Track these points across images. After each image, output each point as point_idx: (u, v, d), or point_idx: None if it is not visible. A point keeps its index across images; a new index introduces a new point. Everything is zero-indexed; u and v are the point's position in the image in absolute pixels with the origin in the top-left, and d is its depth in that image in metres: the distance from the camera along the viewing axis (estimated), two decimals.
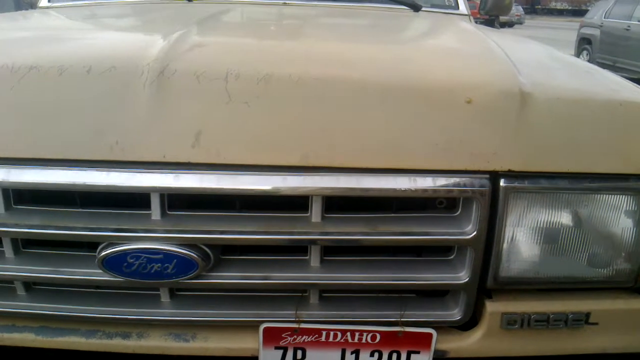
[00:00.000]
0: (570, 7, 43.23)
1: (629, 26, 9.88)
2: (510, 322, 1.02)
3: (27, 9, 2.55)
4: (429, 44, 1.48)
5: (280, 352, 1.02)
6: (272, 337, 1.00)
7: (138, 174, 0.90)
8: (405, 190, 0.92)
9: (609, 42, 10.51)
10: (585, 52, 11.39)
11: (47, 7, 2.06)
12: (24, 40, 1.23)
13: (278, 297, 1.05)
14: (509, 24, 25.84)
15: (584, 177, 0.95)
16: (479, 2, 2.64)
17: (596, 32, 11.03)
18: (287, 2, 1.95)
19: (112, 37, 1.33)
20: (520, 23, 28.63)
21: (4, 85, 0.94)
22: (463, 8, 2.17)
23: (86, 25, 1.62)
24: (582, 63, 1.29)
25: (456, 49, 1.35)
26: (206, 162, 0.91)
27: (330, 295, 1.06)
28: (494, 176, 0.93)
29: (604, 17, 10.84)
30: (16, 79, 0.93)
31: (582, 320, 1.03)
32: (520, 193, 0.94)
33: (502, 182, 0.93)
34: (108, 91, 0.91)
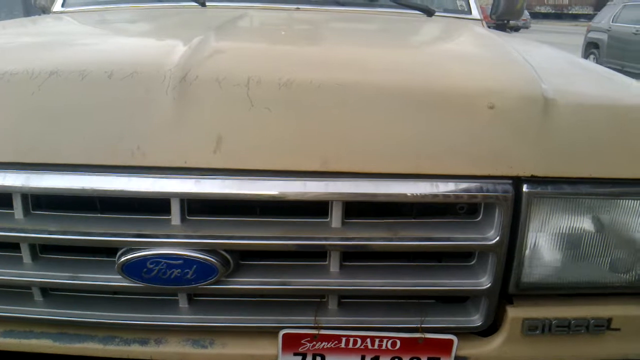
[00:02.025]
0: (553, 11, 43.65)
1: (637, 30, 9.87)
2: (531, 328, 1.01)
3: (39, 14, 2.56)
4: (447, 48, 1.47)
5: (300, 358, 1.01)
6: (291, 343, 1.00)
7: (159, 180, 0.90)
8: (426, 196, 0.92)
9: (616, 46, 10.50)
10: (592, 57, 11.36)
11: (61, 12, 2.06)
12: (42, 46, 1.23)
13: (297, 303, 1.04)
14: (515, 28, 25.78)
15: (607, 183, 0.95)
16: (485, 7, 2.63)
17: (604, 37, 11.02)
18: (299, 7, 1.95)
19: (132, 42, 1.34)
20: (527, 27, 28.55)
21: (25, 91, 0.93)
22: (476, 13, 2.16)
23: (103, 30, 1.62)
24: (601, 68, 1.28)
25: (475, 54, 1.34)
26: (227, 167, 0.91)
27: (350, 301, 1.05)
28: (517, 181, 0.93)
29: (612, 22, 10.83)
30: (37, 84, 0.93)
31: (604, 325, 1.02)
32: (543, 198, 0.93)
33: (524, 188, 0.92)
34: (129, 96, 0.91)
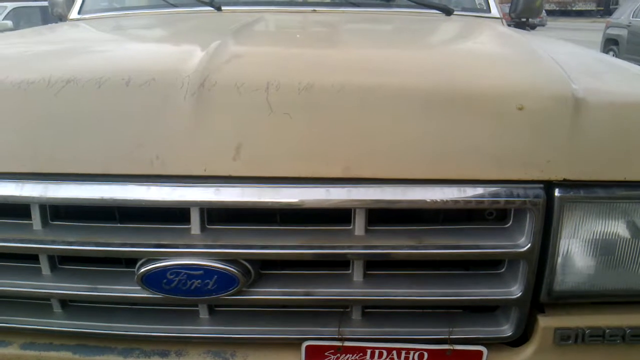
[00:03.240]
0: (557, 8, 43.71)
1: None
2: (564, 338, 0.97)
3: (56, 22, 2.57)
4: (471, 48, 1.43)
5: None
6: (314, 355, 0.97)
7: (178, 188, 0.88)
8: (454, 202, 0.88)
9: (636, 42, 10.30)
10: (611, 53, 11.17)
11: (77, 19, 2.06)
12: (59, 53, 1.22)
13: (319, 313, 1.01)
14: (532, 26, 25.51)
15: None
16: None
17: (623, 32, 10.82)
18: (316, 9, 1.92)
19: (149, 48, 1.32)
20: (543, 25, 28.25)
21: (41, 99, 0.92)
22: (495, 11, 2.11)
23: (120, 36, 1.61)
24: (631, 66, 1.23)
25: (501, 53, 1.30)
26: (247, 175, 0.89)
27: (374, 311, 1.02)
28: (548, 186, 0.89)
29: (632, 17, 10.64)
30: (53, 92, 0.92)
31: None
32: (575, 203, 0.90)
33: (556, 192, 0.89)
34: (148, 104, 0.89)
